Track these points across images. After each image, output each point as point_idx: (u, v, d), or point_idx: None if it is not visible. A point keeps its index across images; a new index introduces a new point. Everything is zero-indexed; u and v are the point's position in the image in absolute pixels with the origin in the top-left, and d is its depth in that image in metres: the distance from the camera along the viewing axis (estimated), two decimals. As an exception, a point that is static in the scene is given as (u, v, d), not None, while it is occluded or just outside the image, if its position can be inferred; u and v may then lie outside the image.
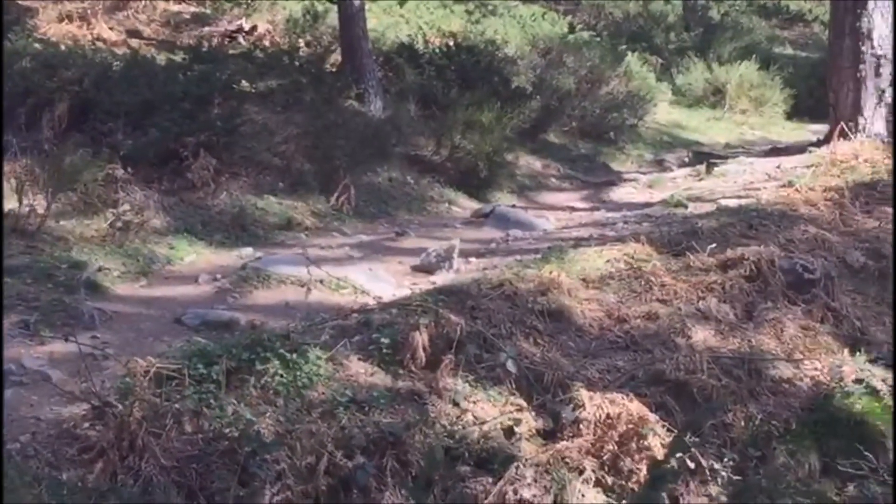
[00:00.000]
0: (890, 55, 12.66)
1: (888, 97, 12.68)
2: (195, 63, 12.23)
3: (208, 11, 16.59)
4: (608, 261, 8.10)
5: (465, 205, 11.95)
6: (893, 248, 8.73)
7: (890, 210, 10.01)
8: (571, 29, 18.88)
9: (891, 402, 6.74)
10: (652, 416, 6.07)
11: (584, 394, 6.12)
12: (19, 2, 14.58)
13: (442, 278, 8.47)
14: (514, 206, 11.93)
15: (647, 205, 11.67)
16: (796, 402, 6.69)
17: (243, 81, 12.47)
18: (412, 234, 10.40)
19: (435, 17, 17.60)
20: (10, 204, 8.90)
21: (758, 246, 8.34)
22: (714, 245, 8.42)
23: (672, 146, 16.21)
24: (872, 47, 12.65)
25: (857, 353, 7.13)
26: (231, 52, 14.25)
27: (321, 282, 7.89)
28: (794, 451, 6.34)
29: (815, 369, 7.03)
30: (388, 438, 5.59)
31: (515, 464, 5.70)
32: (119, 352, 6.48)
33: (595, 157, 14.88)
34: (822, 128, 14.54)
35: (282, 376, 5.80)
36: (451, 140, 12.53)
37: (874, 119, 12.60)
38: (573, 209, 12.08)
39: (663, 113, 17.70)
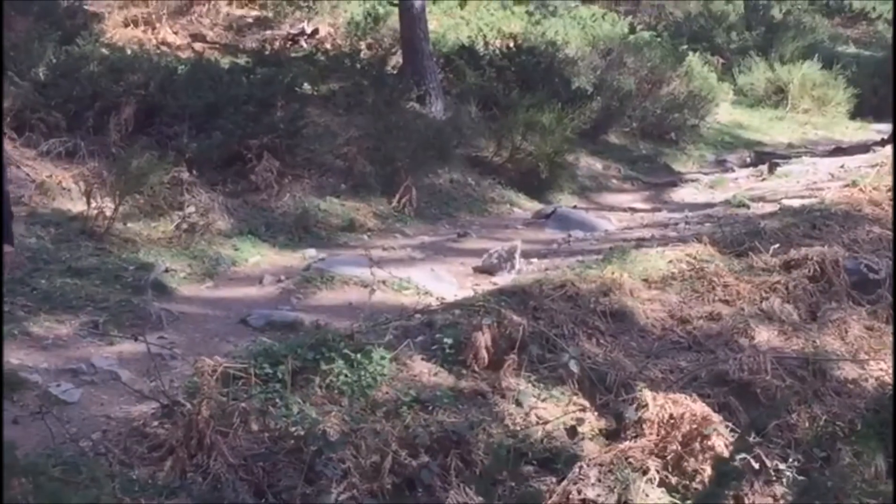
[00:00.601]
0: (955, 53, 12.54)
1: (953, 96, 12.56)
2: (258, 66, 12.36)
3: (270, 15, 16.72)
4: (670, 261, 8.09)
5: (526, 206, 11.96)
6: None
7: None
8: (632, 29, 18.83)
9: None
10: (715, 417, 6.05)
11: (647, 394, 6.11)
12: (86, 7, 14.79)
13: (503, 279, 8.50)
14: (575, 206, 11.94)
15: (709, 205, 11.64)
16: (861, 403, 6.65)
17: (305, 84, 12.58)
18: (473, 235, 10.44)
19: (495, 18, 17.61)
20: (79, 206, 9.05)
21: (822, 246, 8.30)
22: (777, 245, 8.39)
23: (734, 146, 16.12)
24: (937, 45, 12.53)
25: (926, 353, 7.08)
26: (293, 55, 14.39)
27: (384, 282, 7.96)
28: (860, 451, 6.30)
29: (881, 370, 6.99)
30: (452, 437, 5.63)
31: (579, 463, 5.71)
32: (186, 352, 6.59)
33: (656, 158, 14.83)
34: (886, 127, 14.44)
35: (346, 376, 5.86)
36: (512, 141, 12.56)
37: (939, 118, 12.48)
38: (634, 210, 12.06)
39: (725, 113, 17.61)
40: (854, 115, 18.52)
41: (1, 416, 5.12)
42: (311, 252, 9.35)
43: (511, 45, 15.55)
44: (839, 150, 14.16)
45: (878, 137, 14.07)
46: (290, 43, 15.62)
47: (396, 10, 14.24)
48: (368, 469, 5.31)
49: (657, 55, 16.98)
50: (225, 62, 13.00)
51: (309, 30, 16.19)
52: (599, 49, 16.99)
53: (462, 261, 9.29)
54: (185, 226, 9.17)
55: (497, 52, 15.31)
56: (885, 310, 7.76)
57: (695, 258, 8.14)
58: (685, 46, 18.99)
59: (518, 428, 5.91)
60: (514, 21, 17.66)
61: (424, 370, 6.17)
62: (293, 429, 5.33)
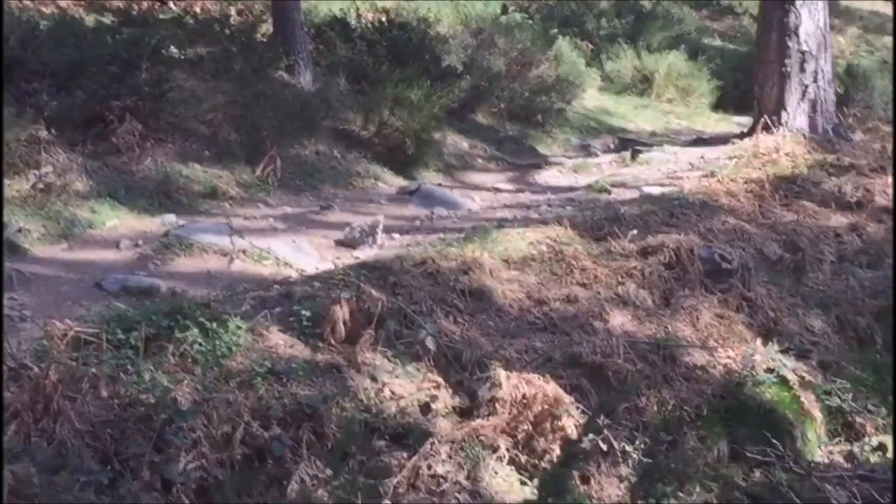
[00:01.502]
0: (815, 52, 12.84)
1: (811, 93, 12.87)
2: (124, 26, 12.11)
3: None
4: (531, 243, 8.17)
5: (391, 181, 11.95)
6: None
7: (808, 204, 10.22)
8: (504, 10, 18.89)
9: (799, 392, 6.90)
10: (567, 398, 6.14)
11: (501, 373, 6.17)
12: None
13: (365, 253, 8.51)
14: (439, 184, 11.97)
15: (572, 189, 11.78)
16: (708, 389, 6.80)
17: (172, 47, 12.36)
18: (337, 209, 10.40)
19: (368, -9, 17.55)
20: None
21: (678, 234, 8.49)
22: (635, 231, 8.55)
23: (598, 132, 16.30)
24: (798, 43, 12.82)
25: (770, 344, 7.26)
26: (161, 16, 14.10)
27: (244, 252, 7.89)
28: (704, 436, 6.46)
29: (729, 357, 7.16)
30: (306, 410, 5.61)
31: (431, 440, 5.75)
32: (37, 314, 6.44)
33: (522, 140, 14.93)
34: (747, 120, 14.74)
35: (201, 345, 5.80)
36: (380, 116, 12.53)
37: (797, 114, 12.78)
38: (498, 190, 12.14)
39: (591, 98, 17.79)
40: (716, 106, 18.86)
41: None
42: (171, 218, 9.21)
43: (383, 19, 15.49)
44: (700, 141, 14.42)
45: (737, 130, 14.34)
46: (158, 4, 15.31)
47: (269, -24, 14.09)
48: (219, 439, 5.28)
49: (528, 37, 17.06)
50: (90, 20, 12.71)
51: (178, -8, 15.92)
52: (471, 28, 16.99)
53: (324, 233, 9.26)
54: (41, 185, 8.96)
55: (369, 25, 15.23)
56: (735, 299, 7.96)
57: (555, 240, 8.24)
58: (556, 30, 19.12)
59: (372, 403, 5.92)
60: (387, -5, 17.63)
61: (280, 342, 6.14)
62: (144, 396, 5.27)
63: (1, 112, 9.27)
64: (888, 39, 27.70)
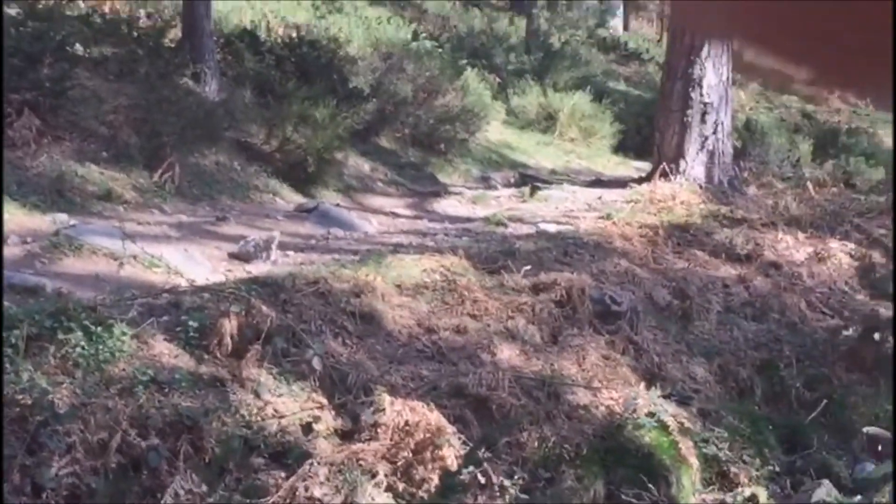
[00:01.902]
0: (716, 104, 13.09)
1: (710, 145, 13.10)
2: (29, 19, 11.90)
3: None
4: (424, 270, 8.18)
5: (290, 198, 11.89)
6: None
7: (699, 253, 10.39)
8: (415, 37, 18.96)
9: (678, 438, 6.99)
10: (450, 428, 6.15)
11: (385, 398, 6.17)
12: None
13: (258, 268, 8.44)
14: (338, 204, 11.93)
15: (469, 220, 11.83)
16: (589, 429, 6.86)
17: (78, 45, 12.17)
18: (233, 221, 10.31)
19: (281, 6, 17.48)
20: None
21: (571, 273, 8.55)
22: (529, 267, 8.60)
23: (500, 165, 16.41)
24: (701, 94, 13.05)
25: (653, 388, 7.35)
26: (68, 13, 13.89)
27: (135, 257, 7.78)
28: (582, 476, 6.51)
29: (612, 399, 7.23)
30: (186, 422, 5.56)
31: (310, 461, 5.72)
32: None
33: (423, 167, 14.97)
34: (645, 165, 14.95)
35: (83, 348, 5.71)
36: (284, 131, 12.46)
37: (695, 164, 13.00)
38: (396, 215, 12.15)
39: (495, 132, 17.89)
40: (617, 150, 19.10)
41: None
42: (63, 217, 9.03)
43: (294, 35, 15.45)
44: (599, 182, 14.59)
45: (636, 175, 14.54)
46: (66, 0, 15.10)
47: (181, -18, 13.96)
48: (95, 445, 5.20)
49: (437, 66, 17.12)
50: (-6, 10, 12.48)
51: (88, -11, 15.70)
52: (381, 52, 17.01)
53: (218, 245, 9.17)
54: (-70, 173, 8.77)
55: (279, 40, 15.18)
56: (622, 341, 8.05)
57: (449, 270, 8.25)
58: (465, 61, 19.23)
59: (253, 419, 5.88)
60: (299, 11, 17.59)
61: (165, 351, 6.07)
62: (20, 397, 5.17)
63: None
64: (787, 98, 28.38)
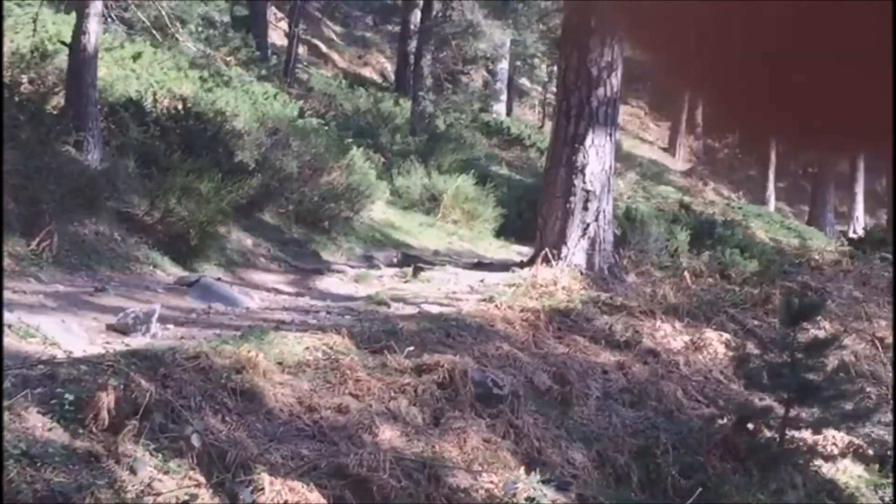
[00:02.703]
0: (598, 192, 13.29)
1: (592, 231, 13.28)
2: None
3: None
4: (307, 348, 8.12)
5: (171, 270, 11.74)
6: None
7: (579, 338, 10.49)
8: (301, 114, 18.98)
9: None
10: (329, 509, 6.09)
11: (265, 477, 6.08)
12: None
13: (137, 341, 8.28)
14: (219, 279, 11.81)
15: (352, 298, 11.79)
16: (469, 513, 6.84)
17: (-43, 107, 11.95)
18: (112, 292, 10.12)
19: (167, 77, 17.34)
20: None
21: (453, 355, 8.57)
22: (412, 347, 8.59)
23: (383, 244, 16.44)
24: (584, 182, 13.25)
25: (533, 473, 7.36)
26: (-52, 75, 13.65)
27: (9, 326, 7.58)
28: (460, 561, 6.48)
29: (492, 482, 7.22)
30: (58, 498, 5.40)
31: (185, 540, 5.60)
32: None
33: (306, 244, 14.93)
34: (526, 250, 15.11)
35: (-47, 419, 5.53)
36: (167, 203, 12.34)
37: (577, 250, 13.16)
38: (278, 291, 12.06)
39: (379, 211, 17.95)
40: (499, 233, 19.28)
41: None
42: (-66, 283, 8.80)
43: (180, 107, 15.36)
44: (481, 265, 14.67)
45: (517, 258, 14.68)
46: (-56, 63, 14.83)
47: (66, 49, 13.78)
48: (-39, 522, 5.02)
49: (322, 143, 17.16)
50: None
51: (-30, 52, 15.43)
52: (267, 127, 16.98)
53: (96, 316, 8.99)
54: None
55: (164, 111, 15.08)
56: (503, 425, 8.06)
57: (331, 349, 8.20)
58: (350, 140, 19.30)
59: (129, 496, 5.73)
60: (186, 84, 17.46)
61: (39, 424, 5.90)
62: None
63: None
64: (664, 188, 29.00)
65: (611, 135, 13.57)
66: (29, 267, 10.18)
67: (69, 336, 8.16)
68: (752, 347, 10.94)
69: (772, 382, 9.46)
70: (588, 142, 13.25)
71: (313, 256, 14.60)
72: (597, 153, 13.32)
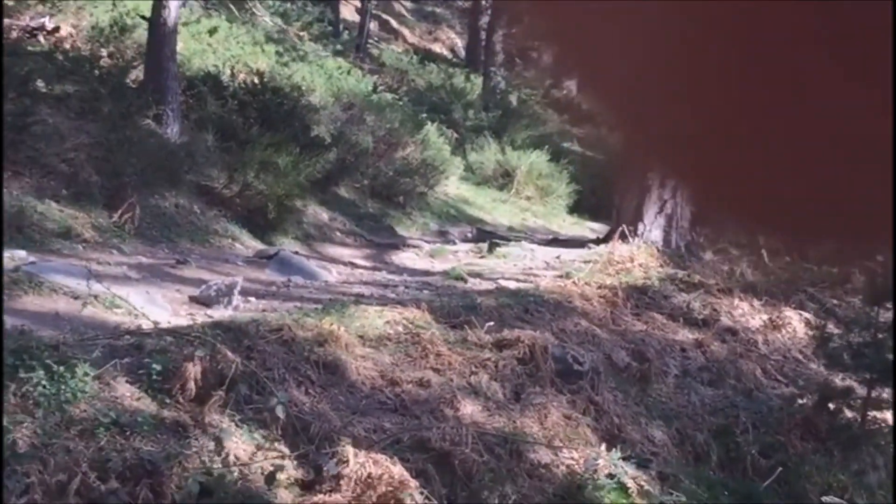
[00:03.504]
0: (676, 169, 13.16)
1: (668, 208, 13.18)
2: (-8, 54, 11.82)
3: (11, 2, 16.04)
4: (388, 322, 8.14)
5: (249, 244, 11.83)
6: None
7: (657, 316, 10.43)
8: (375, 89, 19.01)
9: (637, 500, 6.98)
10: (413, 482, 6.10)
11: (349, 450, 6.11)
12: None
13: (219, 313, 8.34)
14: (297, 252, 11.87)
15: (428, 273, 11.80)
16: (550, 488, 6.83)
17: (40, 81, 12.08)
18: (193, 264, 10.21)
19: (244, 52, 17.42)
20: None
21: (533, 331, 8.54)
22: (491, 323, 8.58)
23: (457, 220, 16.45)
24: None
25: (613, 449, 7.34)
26: (30, 48, 13.80)
27: (96, 297, 7.67)
28: (543, 535, 6.48)
29: (572, 458, 7.21)
30: (146, 466, 5.45)
31: (271, 510, 5.64)
32: None
33: (382, 219, 14.97)
34: (600, 227, 15.05)
35: (45, 387, 5.60)
36: (245, 177, 12.41)
37: (653, 227, 13.08)
38: (355, 265, 12.10)
39: (453, 186, 17.95)
40: (572, 209, 19.22)
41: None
42: (21, 254, 8.90)
43: (257, 81, 15.42)
44: (556, 241, 14.63)
45: (591, 235, 14.63)
46: (28, 35, 14.99)
47: (145, 23, 13.87)
48: (53, 487, 5.09)
49: (397, 118, 17.18)
50: (-42, 43, 12.37)
51: (50, 26, 15.57)
52: (342, 102, 17.03)
53: (178, 288, 9.07)
54: None
55: (242, 85, 15.14)
56: (583, 401, 8.04)
57: (411, 323, 8.22)
58: (424, 115, 19.31)
59: (215, 466, 5.78)
60: (262, 58, 17.53)
61: (128, 393, 5.97)
62: (-21, 435, 5.06)
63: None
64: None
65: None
66: (111, 239, 10.29)
67: (153, 307, 8.23)
68: (831, 327, 10.81)
69: (854, 362, 9.34)
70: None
71: (388, 231, 14.64)
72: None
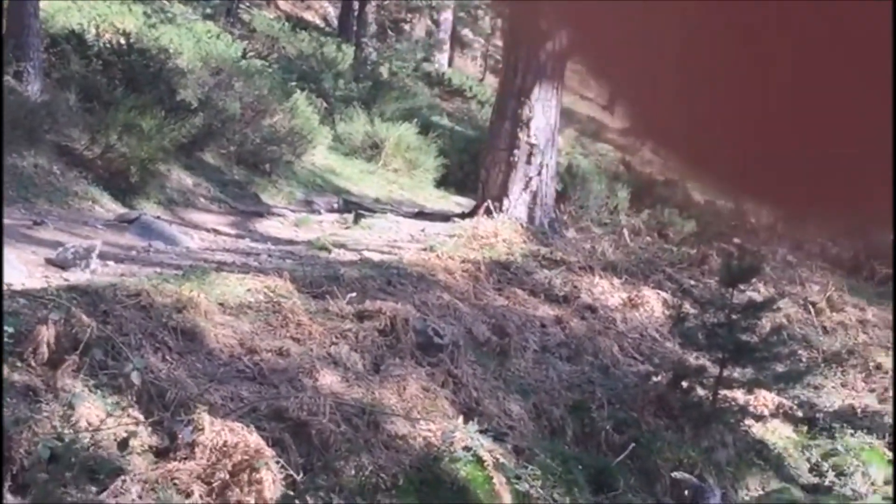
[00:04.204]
0: (543, 146, 13.30)
1: (534, 185, 13.30)
2: None
3: None
4: (249, 290, 8.08)
5: (110, 207, 11.61)
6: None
7: (519, 291, 10.54)
8: (244, 55, 18.78)
9: (492, 473, 7.05)
10: (269, 451, 6.06)
11: (205, 417, 6.05)
12: None
13: (76, 277, 8.18)
14: (159, 217, 11.69)
15: (292, 242, 11.73)
16: (407, 459, 6.86)
17: None
18: (50, 226, 9.98)
19: (110, 11, 17.08)
20: None
21: (395, 303, 8.56)
22: (354, 294, 8.58)
23: (323, 190, 16.37)
24: (528, 135, 13.25)
25: (470, 422, 7.40)
26: None
27: (-56, 258, 7.47)
28: (398, 505, 6.51)
29: (430, 430, 7.24)
30: (-6, 431, 5.34)
31: (123, 477, 5.56)
32: None
33: (247, 186, 14.82)
34: (466, 201, 15.13)
35: None
36: (108, 139, 12.17)
37: (518, 203, 13.19)
38: (218, 233, 11.96)
39: (320, 156, 17.85)
40: (439, 183, 19.25)
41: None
42: None
43: (123, 41, 15.11)
44: (422, 214, 14.66)
45: (457, 209, 14.68)
46: None
47: (8, -22, 13.51)
48: None
49: (266, 85, 17.01)
50: None
51: None
52: (210, 67, 16.78)
53: (34, 250, 8.86)
54: None
55: (107, 45, 14.83)
56: (442, 374, 8.08)
57: (273, 292, 8.17)
58: (294, 83, 19.14)
59: (66, 432, 5.68)
60: (129, 18, 17.20)
61: (-24, 356, 5.83)
62: None
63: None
64: (601, 145, 29.08)
65: (557, 90, 13.57)
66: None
67: (7, 269, 8.02)
68: (688, 307, 11.04)
69: (707, 342, 9.57)
70: (534, 96, 13.25)
71: (254, 199, 14.50)
72: (542, 108, 13.33)
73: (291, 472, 6.08)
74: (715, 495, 7.38)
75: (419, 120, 20.51)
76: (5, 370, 5.84)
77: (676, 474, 8.33)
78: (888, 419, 10.38)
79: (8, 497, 5.17)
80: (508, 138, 13.34)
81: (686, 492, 8.16)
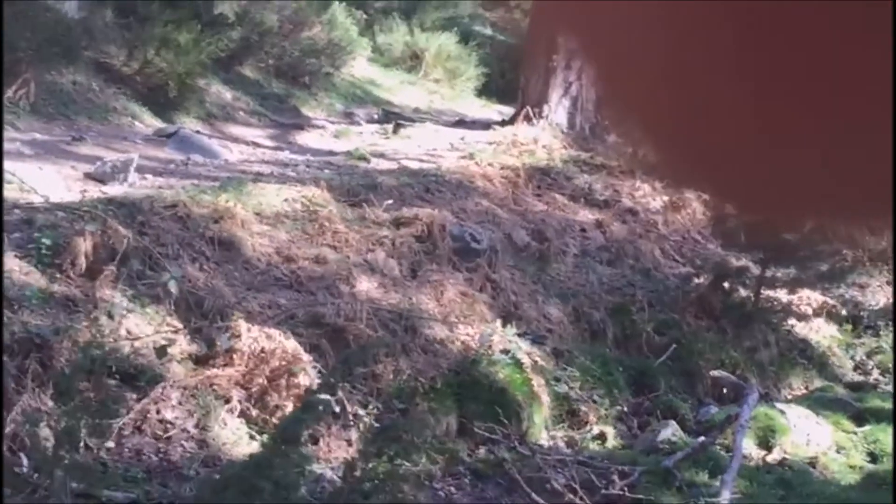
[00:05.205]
0: (582, 51, 13.14)
1: (574, 91, 13.18)
2: None
3: None
4: (286, 200, 8.11)
5: (149, 122, 11.65)
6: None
7: (559, 196, 10.50)
8: (281, -34, 18.64)
9: (531, 375, 7.09)
10: (306, 357, 6.14)
11: (242, 324, 6.12)
12: None
13: (115, 190, 8.23)
14: (198, 131, 11.71)
15: (332, 153, 11.72)
16: (445, 363, 6.92)
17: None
18: (90, 142, 10.04)
19: (146, -75, 16.98)
20: None
21: (432, 209, 8.56)
22: (391, 201, 8.59)
23: (364, 101, 16.32)
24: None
25: (508, 326, 7.42)
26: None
27: (-15, 173, 7.54)
28: (436, 408, 6.56)
29: (467, 334, 7.29)
30: (35, 340, 5.43)
31: (163, 384, 5.65)
32: None
33: (287, 99, 14.80)
34: (508, 110, 14.99)
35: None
36: (145, 54, 12.18)
37: (558, 109, 13.07)
38: (257, 145, 11.98)
39: (360, 68, 17.75)
40: (481, 93, 19.12)
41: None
42: None
43: (158, -44, 15.06)
44: (462, 123, 14.58)
45: (499, 118, 14.58)
46: None
47: None
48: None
49: (304, -3, 16.91)
50: None
51: None
52: (247, -22, 16.68)
53: (74, 164, 8.92)
54: None
55: (143, -40, 14.78)
56: (480, 279, 8.10)
57: (310, 201, 8.19)
58: (332, -7, 19.00)
59: (106, 340, 5.75)
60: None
61: (16, 268, 5.91)
62: None
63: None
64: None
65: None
66: (6, 115, 10.06)
67: (46, 183, 8.10)
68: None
69: (749, 242, 9.50)
70: (544, -1, 13.07)
71: (293, 111, 14.48)
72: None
73: (329, 377, 6.13)
74: (753, 392, 7.37)
75: (460, 29, 20.32)
76: (43, 280, 5.92)
77: (714, 373, 8.34)
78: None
79: (49, 403, 5.26)
80: (547, 44, 13.19)
81: (724, 390, 8.18)
